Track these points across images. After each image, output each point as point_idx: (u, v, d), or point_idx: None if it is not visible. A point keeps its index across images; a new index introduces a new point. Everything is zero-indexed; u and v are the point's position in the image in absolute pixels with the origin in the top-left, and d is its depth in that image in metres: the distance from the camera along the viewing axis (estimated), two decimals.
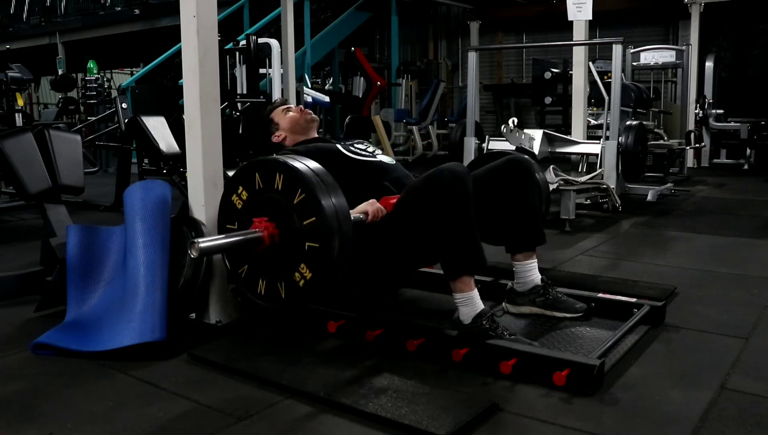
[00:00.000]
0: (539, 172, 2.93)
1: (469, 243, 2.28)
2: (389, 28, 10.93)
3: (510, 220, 2.64)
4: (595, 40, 7.95)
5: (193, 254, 2.07)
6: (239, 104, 6.45)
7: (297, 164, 2.19)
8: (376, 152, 2.79)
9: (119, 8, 12.74)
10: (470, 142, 5.82)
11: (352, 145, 2.75)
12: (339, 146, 2.72)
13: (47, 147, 3.31)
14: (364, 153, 2.73)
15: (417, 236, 2.39)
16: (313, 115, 2.92)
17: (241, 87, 6.67)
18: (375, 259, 2.54)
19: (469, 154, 5.76)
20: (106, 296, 2.59)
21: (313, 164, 2.22)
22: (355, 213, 2.37)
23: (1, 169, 3.33)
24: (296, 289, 2.20)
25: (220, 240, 2.22)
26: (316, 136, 2.92)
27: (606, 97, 5.48)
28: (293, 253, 2.18)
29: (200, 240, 2.10)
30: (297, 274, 2.19)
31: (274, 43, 6.88)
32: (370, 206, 2.42)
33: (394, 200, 2.48)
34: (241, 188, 2.32)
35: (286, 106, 2.92)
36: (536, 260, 2.68)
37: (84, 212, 5.57)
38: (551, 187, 3.94)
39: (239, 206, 2.33)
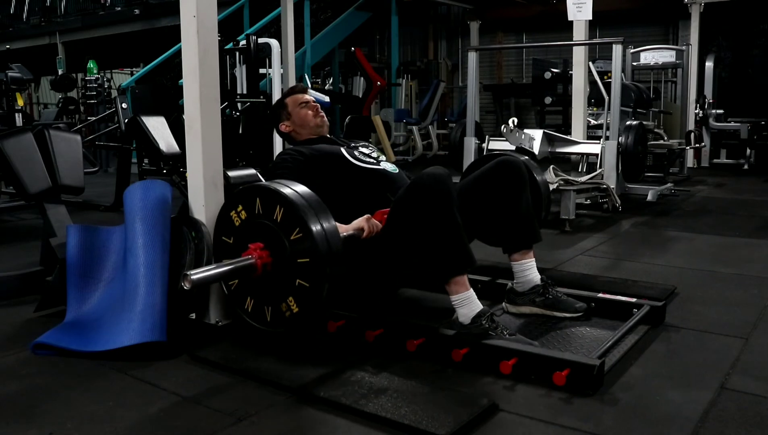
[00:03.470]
0: (540, 174, 2.94)
1: (454, 243, 2.28)
2: (389, 28, 10.92)
3: (504, 221, 2.65)
4: (595, 40, 7.95)
5: (186, 286, 2.07)
6: (239, 104, 6.45)
7: (299, 201, 2.18)
8: (380, 158, 2.78)
9: (119, 8, 12.74)
10: (470, 142, 5.82)
11: (356, 150, 2.75)
12: (343, 150, 2.72)
13: (47, 147, 3.30)
14: (368, 159, 2.73)
15: (409, 247, 2.40)
16: (325, 119, 2.91)
17: (241, 87, 6.66)
18: (370, 272, 2.56)
19: (469, 154, 5.76)
20: (106, 296, 2.59)
21: (315, 202, 2.22)
22: (351, 229, 2.39)
23: (1, 169, 3.33)
24: (282, 318, 2.25)
25: (213, 270, 2.20)
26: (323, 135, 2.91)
27: (606, 97, 5.48)
28: (283, 285, 2.21)
29: (192, 272, 2.09)
30: (284, 305, 2.22)
31: (274, 43, 6.87)
32: (365, 222, 2.44)
33: (385, 215, 2.49)
34: (240, 207, 2.33)
35: (304, 100, 2.90)
36: (534, 259, 2.68)
37: (84, 212, 5.57)
38: (551, 187, 3.94)
39: (237, 223, 2.34)
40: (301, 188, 2.26)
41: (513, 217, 2.63)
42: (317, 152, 2.68)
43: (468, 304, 2.29)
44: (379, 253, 2.48)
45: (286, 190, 2.22)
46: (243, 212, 2.32)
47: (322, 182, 2.56)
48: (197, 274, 2.12)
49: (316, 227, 2.13)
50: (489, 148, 5.67)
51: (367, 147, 2.82)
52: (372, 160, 2.74)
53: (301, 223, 2.15)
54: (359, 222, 2.44)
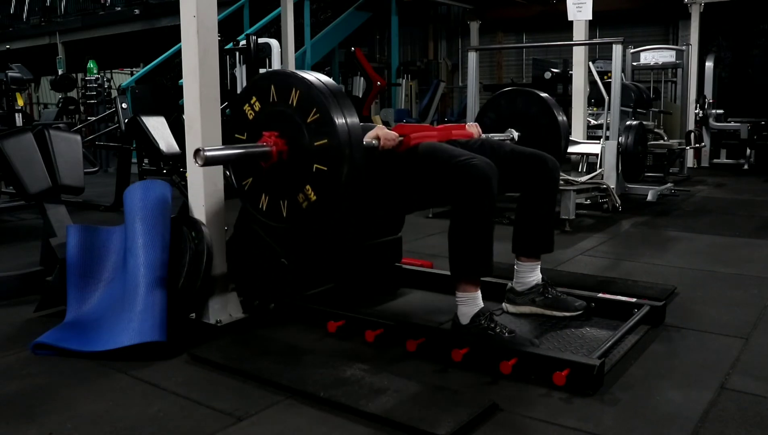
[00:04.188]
0: (560, 114, 3.04)
1: (482, 249, 2.26)
2: (389, 28, 10.93)
3: (523, 222, 2.64)
4: (595, 40, 7.95)
5: (198, 163, 2.02)
6: None
7: (315, 82, 2.11)
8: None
9: (119, 8, 12.75)
10: None
11: None
12: None
13: (47, 147, 3.31)
14: None
15: (425, 193, 2.39)
16: None
17: (241, 87, 6.66)
18: (376, 193, 2.52)
19: None
20: (106, 296, 2.59)
21: (332, 84, 2.15)
22: (368, 139, 2.31)
23: (1, 169, 3.33)
24: (298, 210, 2.16)
25: (227, 150, 2.16)
26: None
27: (606, 97, 5.48)
28: (300, 173, 2.13)
29: (207, 147, 2.04)
30: (301, 195, 2.14)
31: (274, 43, 6.87)
32: (380, 131, 2.37)
33: (415, 134, 2.41)
34: (254, 98, 2.26)
35: None
36: (539, 263, 2.68)
37: (84, 212, 5.57)
38: None
39: (250, 117, 2.27)
40: (318, 74, 2.20)
41: (533, 223, 2.62)
42: None
43: (471, 303, 2.29)
44: (390, 179, 2.44)
45: (302, 74, 2.16)
46: (257, 103, 2.25)
47: None
48: (212, 150, 2.08)
49: (333, 107, 2.05)
50: None
51: None
52: None
53: (318, 103, 2.07)
54: (374, 131, 2.37)
